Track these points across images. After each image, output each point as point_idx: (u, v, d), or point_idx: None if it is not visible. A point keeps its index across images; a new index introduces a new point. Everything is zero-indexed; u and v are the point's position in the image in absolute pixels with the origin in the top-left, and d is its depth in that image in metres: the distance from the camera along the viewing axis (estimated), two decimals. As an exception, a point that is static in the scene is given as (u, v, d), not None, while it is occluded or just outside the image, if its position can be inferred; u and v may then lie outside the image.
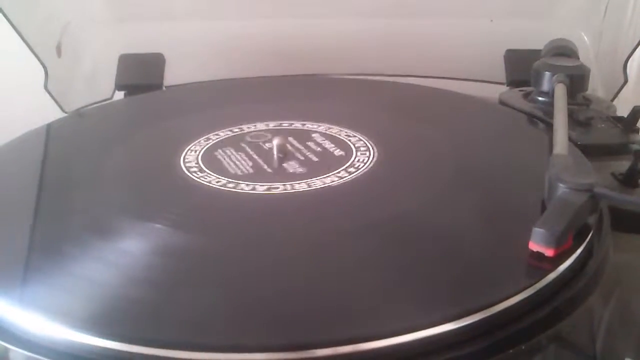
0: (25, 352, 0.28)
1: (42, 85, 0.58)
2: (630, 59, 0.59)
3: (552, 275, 0.30)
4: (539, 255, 0.31)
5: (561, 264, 0.31)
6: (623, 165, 0.42)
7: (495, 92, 0.59)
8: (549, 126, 0.45)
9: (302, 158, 0.44)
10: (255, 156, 0.44)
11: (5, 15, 0.55)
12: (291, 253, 0.33)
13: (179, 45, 0.66)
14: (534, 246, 0.31)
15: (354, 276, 0.31)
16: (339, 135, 0.48)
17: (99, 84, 0.64)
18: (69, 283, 0.31)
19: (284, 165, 0.42)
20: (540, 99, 0.54)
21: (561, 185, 0.33)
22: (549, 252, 0.30)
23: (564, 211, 0.31)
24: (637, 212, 0.36)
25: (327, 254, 0.33)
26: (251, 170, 0.42)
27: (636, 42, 0.58)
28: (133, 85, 0.63)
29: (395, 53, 0.69)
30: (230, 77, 0.66)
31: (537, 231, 0.31)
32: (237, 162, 0.43)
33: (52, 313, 0.28)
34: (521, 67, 0.60)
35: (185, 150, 0.45)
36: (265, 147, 0.46)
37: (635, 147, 0.46)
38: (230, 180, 0.40)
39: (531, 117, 0.52)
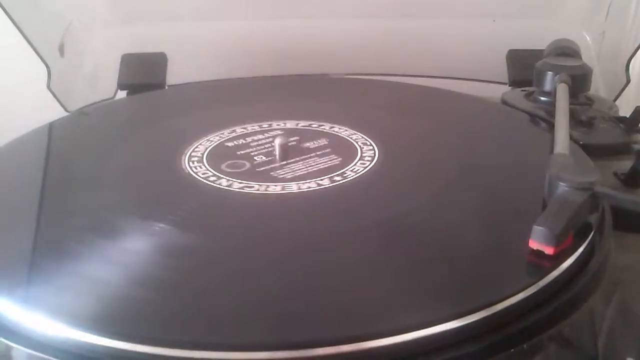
0: (28, 350, 0.28)
1: (45, 84, 0.58)
2: (633, 59, 0.59)
3: (553, 274, 0.30)
4: (539, 254, 0.31)
5: (563, 263, 0.31)
6: (625, 165, 0.42)
7: (497, 92, 0.59)
8: (551, 126, 0.45)
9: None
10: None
11: (8, 15, 0.55)
12: (293, 252, 0.33)
13: (182, 45, 0.67)
14: (534, 244, 0.31)
15: (356, 275, 0.31)
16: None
17: (101, 83, 0.65)
18: (72, 282, 0.31)
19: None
20: (542, 98, 0.54)
21: (561, 184, 0.33)
22: (548, 250, 0.30)
23: (564, 209, 0.31)
24: (638, 212, 0.36)
25: (329, 253, 0.33)
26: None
27: (639, 43, 0.58)
28: (135, 84, 0.63)
29: (398, 53, 0.69)
30: (233, 77, 0.66)
31: (537, 229, 0.31)
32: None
33: (54, 312, 0.29)
34: (524, 67, 0.60)
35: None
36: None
37: (637, 147, 0.46)
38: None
39: (533, 117, 0.52)
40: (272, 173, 0.41)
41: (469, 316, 0.28)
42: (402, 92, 0.60)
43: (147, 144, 0.48)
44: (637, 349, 0.31)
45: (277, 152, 0.44)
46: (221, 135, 0.48)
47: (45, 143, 0.49)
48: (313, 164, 0.43)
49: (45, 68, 0.58)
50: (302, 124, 0.50)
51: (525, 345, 0.28)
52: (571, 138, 0.42)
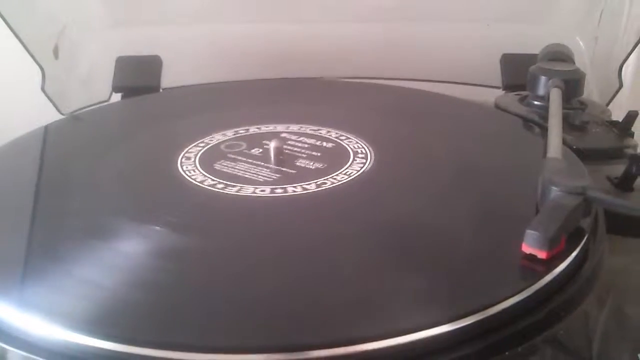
0: (24, 353, 0.28)
1: (39, 87, 0.58)
2: (625, 64, 0.59)
3: (547, 278, 0.30)
4: (532, 258, 0.31)
5: (557, 266, 0.31)
6: (618, 169, 0.42)
7: (491, 96, 0.59)
8: (545, 130, 0.45)
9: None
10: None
11: (2, 17, 0.55)
12: (288, 255, 0.33)
13: (176, 48, 0.66)
14: (527, 248, 0.31)
15: (351, 278, 0.31)
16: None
17: (96, 86, 0.64)
18: (66, 285, 0.31)
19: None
20: (536, 103, 0.54)
21: (554, 188, 0.34)
22: (541, 255, 0.31)
23: (557, 214, 0.32)
24: (632, 216, 0.36)
25: (324, 256, 0.33)
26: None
27: (631, 48, 0.58)
28: (130, 87, 0.63)
29: (392, 57, 0.69)
30: (228, 80, 0.66)
31: (530, 233, 0.31)
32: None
33: (50, 314, 0.29)
34: (517, 72, 0.61)
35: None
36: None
37: (629, 151, 0.46)
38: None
39: (527, 121, 0.52)
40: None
41: (463, 319, 0.28)
42: (396, 95, 0.60)
43: (142, 147, 0.48)
44: (631, 352, 0.31)
45: (272, 155, 0.44)
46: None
47: (40, 146, 0.49)
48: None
49: (39, 70, 0.58)
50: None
51: (519, 349, 0.28)
52: (564, 142, 0.42)
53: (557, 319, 0.30)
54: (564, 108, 0.48)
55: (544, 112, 0.50)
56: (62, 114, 0.59)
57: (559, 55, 0.58)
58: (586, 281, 0.32)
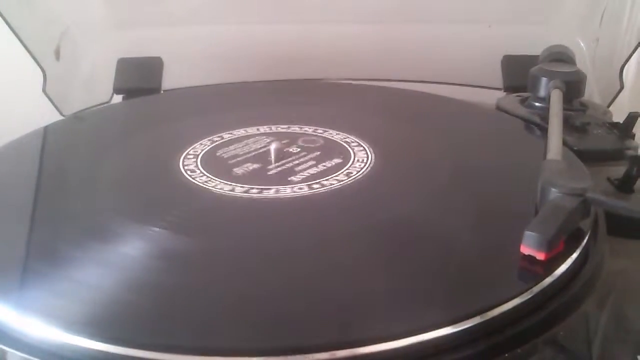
0: (23, 355, 0.28)
1: (41, 88, 0.58)
2: (626, 65, 0.59)
3: (548, 280, 0.30)
4: (531, 259, 0.31)
5: (557, 268, 0.31)
6: (619, 170, 0.42)
7: (492, 97, 0.59)
8: (545, 132, 0.45)
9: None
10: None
11: (4, 19, 0.55)
12: (288, 257, 0.33)
13: (177, 49, 0.67)
14: (526, 250, 0.31)
15: (351, 280, 0.31)
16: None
17: (97, 88, 0.65)
18: (66, 286, 0.31)
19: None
20: (537, 104, 0.54)
21: (553, 189, 0.34)
22: (540, 256, 0.30)
23: (556, 215, 0.31)
24: (632, 217, 0.36)
25: (323, 258, 0.33)
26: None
27: (632, 49, 0.58)
28: (131, 88, 0.63)
29: (393, 58, 0.69)
30: (228, 82, 0.66)
31: (529, 235, 0.31)
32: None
33: (49, 316, 0.29)
34: (518, 73, 0.61)
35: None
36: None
37: (630, 152, 0.46)
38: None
39: (528, 123, 0.52)
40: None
41: (464, 321, 0.28)
42: (397, 97, 0.60)
43: (143, 148, 0.48)
44: (631, 354, 0.31)
45: (272, 157, 0.44)
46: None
47: (40, 147, 0.49)
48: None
49: (41, 72, 0.58)
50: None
51: (519, 350, 0.28)
52: (565, 144, 0.42)
53: (557, 320, 0.30)
54: (564, 109, 0.48)
55: (544, 114, 0.49)
56: (63, 115, 0.59)
57: (560, 56, 0.58)
58: (586, 283, 0.32)
